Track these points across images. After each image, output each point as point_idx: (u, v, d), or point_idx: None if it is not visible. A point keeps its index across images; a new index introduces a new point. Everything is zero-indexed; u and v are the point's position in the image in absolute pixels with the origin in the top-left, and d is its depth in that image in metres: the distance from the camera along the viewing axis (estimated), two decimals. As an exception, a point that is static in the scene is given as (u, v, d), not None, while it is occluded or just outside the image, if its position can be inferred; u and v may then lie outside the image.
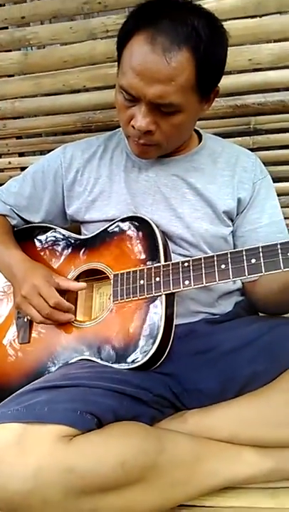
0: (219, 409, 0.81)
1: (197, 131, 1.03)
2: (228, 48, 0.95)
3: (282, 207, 1.02)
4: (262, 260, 0.75)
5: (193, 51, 0.77)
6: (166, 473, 0.70)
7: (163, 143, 0.86)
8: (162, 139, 0.85)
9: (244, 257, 0.77)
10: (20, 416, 0.66)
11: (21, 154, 1.30)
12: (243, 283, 1.01)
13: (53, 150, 1.09)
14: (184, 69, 0.77)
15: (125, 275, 0.88)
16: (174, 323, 0.86)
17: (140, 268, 0.87)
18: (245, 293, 1.01)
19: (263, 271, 0.75)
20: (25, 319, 0.95)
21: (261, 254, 0.76)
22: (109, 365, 0.83)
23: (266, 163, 1.07)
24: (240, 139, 1.19)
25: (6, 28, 1.20)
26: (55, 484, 0.61)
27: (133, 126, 0.83)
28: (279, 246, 0.74)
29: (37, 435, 0.64)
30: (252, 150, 1.08)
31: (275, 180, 1.07)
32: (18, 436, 0.64)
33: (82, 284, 0.91)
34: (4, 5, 1.18)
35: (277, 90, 1.16)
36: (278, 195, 1.03)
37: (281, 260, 0.73)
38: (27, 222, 1.08)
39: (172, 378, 0.85)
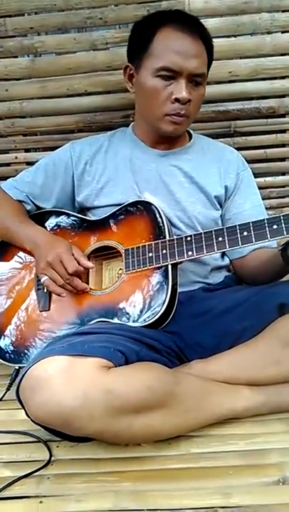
0: (218, 357, 0.95)
1: (188, 131, 1.20)
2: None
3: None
4: (252, 232, 0.91)
5: (203, 40, 1.03)
6: (182, 401, 0.84)
7: (192, 114, 1.05)
8: (192, 109, 1.04)
9: (238, 231, 0.93)
10: (65, 351, 0.79)
11: (27, 150, 1.40)
12: (231, 261, 1.17)
13: (56, 147, 1.23)
14: (203, 49, 1.04)
15: (135, 249, 1.01)
16: (178, 291, 0.99)
17: (148, 243, 1.00)
18: (234, 269, 1.18)
19: (254, 241, 0.91)
20: (45, 290, 1.07)
21: (252, 228, 0.92)
22: (125, 323, 0.95)
23: (244, 161, 1.26)
24: (222, 139, 1.34)
25: (16, 36, 1.30)
26: (98, 401, 0.74)
27: (176, 100, 1.00)
28: (266, 221, 0.91)
29: (81, 365, 0.77)
30: (232, 149, 1.26)
31: (252, 175, 1.24)
32: (66, 365, 0.76)
33: (91, 265, 1.02)
34: (15, 15, 1.28)
35: (253, 99, 1.34)
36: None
37: (268, 232, 0.90)
38: (39, 208, 1.19)
39: (177, 335, 0.99)
